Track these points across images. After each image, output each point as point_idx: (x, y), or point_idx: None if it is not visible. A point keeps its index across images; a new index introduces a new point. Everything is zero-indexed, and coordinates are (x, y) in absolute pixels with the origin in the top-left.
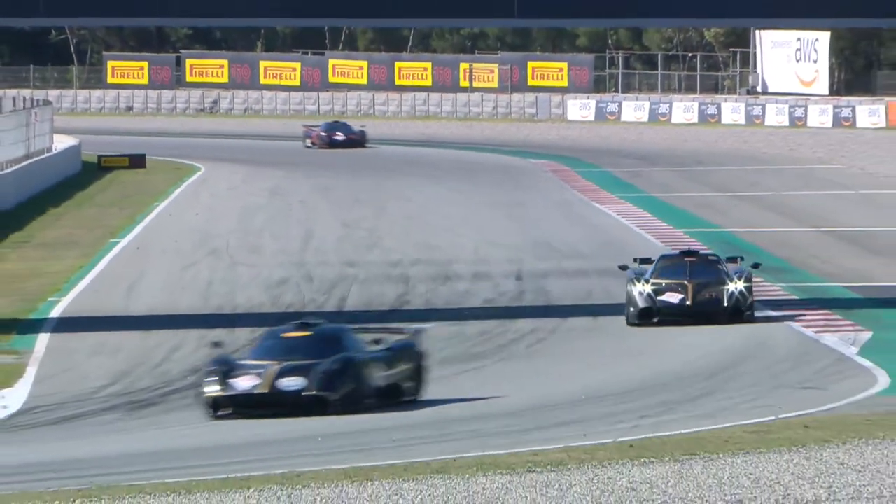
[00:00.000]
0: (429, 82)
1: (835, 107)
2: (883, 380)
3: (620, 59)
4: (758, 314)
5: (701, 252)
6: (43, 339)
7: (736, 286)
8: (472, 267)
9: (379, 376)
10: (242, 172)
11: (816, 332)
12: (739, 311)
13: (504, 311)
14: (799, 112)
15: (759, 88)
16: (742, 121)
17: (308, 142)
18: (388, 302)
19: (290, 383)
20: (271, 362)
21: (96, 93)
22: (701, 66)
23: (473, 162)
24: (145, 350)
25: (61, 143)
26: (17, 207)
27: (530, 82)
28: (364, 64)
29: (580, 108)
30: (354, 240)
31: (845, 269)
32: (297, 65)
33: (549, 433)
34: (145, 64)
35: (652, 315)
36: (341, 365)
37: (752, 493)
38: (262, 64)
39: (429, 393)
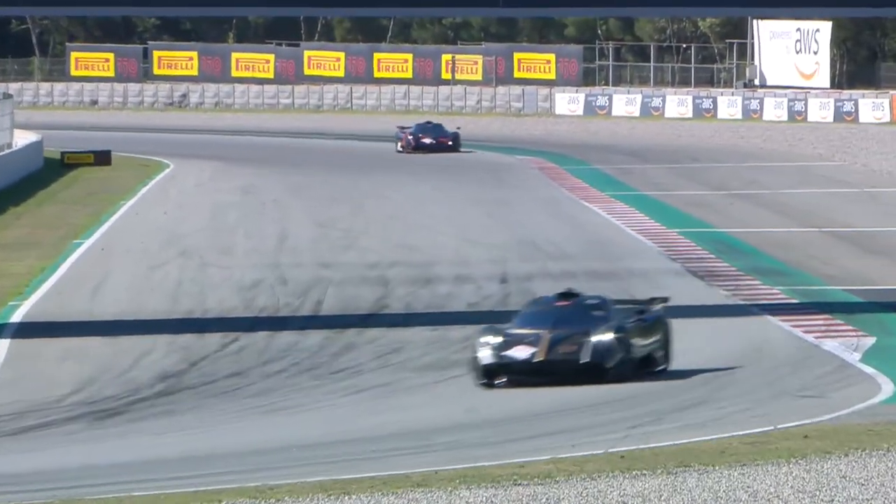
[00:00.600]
0: (409, 74)
1: (836, 101)
2: (887, 388)
3: (611, 50)
4: (754, 318)
5: (583, 294)
6: (3, 345)
7: (602, 337)
8: (454, 269)
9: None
10: (213, 169)
11: (817, 338)
12: (601, 369)
13: (488, 314)
14: (799, 106)
15: (756, 81)
16: (739, 115)
17: (399, 145)
18: (365, 306)
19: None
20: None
21: (59, 86)
22: (696, 57)
23: (456, 158)
24: (111, 356)
25: (22, 138)
26: None
27: (516, 74)
28: (341, 55)
29: (569, 101)
30: (330, 240)
31: (847, 271)
32: (271, 56)
33: (536, 443)
34: (111, 55)
35: (494, 375)
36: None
37: None
38: (234, 56)
39: (408, 403)
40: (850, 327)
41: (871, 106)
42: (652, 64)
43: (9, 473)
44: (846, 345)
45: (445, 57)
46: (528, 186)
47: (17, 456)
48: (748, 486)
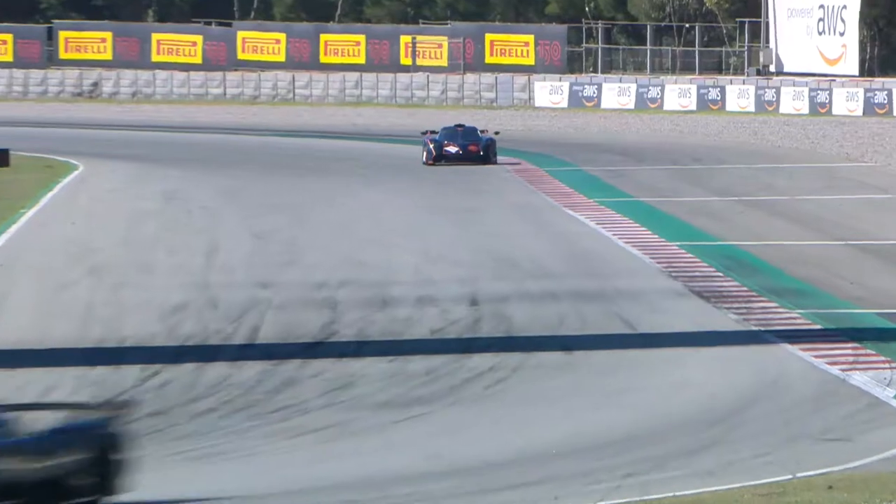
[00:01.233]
0: (362, 59)
1: (866, 90)
2: None
3: (600, 31)
4: (769, 346)
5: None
6: None
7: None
8: (415, 289)
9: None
10: (130, 172)
11: (843, 370)
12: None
13: (455, 343)
14: (822, 97)
15: (772, 68)
16: (751, 108)
17: (423, 156)
18: (310, 332)
19: None
20: None
21: None
22: (700, 40)
23: (417, 158)
24: (10, 391)
25: None
26: None
27: (488, 60)
28: (281, 37)
29: (550, 91)
30: (269, 255)
31: (879, 292)
32: (199, 38)
33: (512, 496)
34: (9, 37)
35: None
36: None
37: None
38: (155, 37)
39: (361, 447)
40: (882, 358)
41: None
42: (648, 47)
43: None
44: (877, 378)
45: (404, 39)
46: (503, 191)
47: None
48: None
